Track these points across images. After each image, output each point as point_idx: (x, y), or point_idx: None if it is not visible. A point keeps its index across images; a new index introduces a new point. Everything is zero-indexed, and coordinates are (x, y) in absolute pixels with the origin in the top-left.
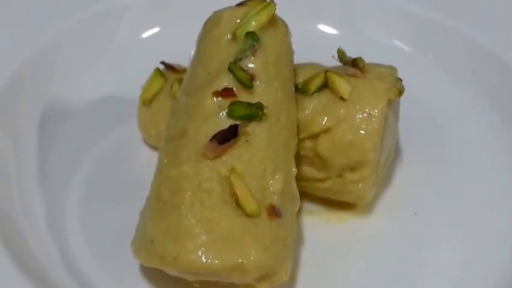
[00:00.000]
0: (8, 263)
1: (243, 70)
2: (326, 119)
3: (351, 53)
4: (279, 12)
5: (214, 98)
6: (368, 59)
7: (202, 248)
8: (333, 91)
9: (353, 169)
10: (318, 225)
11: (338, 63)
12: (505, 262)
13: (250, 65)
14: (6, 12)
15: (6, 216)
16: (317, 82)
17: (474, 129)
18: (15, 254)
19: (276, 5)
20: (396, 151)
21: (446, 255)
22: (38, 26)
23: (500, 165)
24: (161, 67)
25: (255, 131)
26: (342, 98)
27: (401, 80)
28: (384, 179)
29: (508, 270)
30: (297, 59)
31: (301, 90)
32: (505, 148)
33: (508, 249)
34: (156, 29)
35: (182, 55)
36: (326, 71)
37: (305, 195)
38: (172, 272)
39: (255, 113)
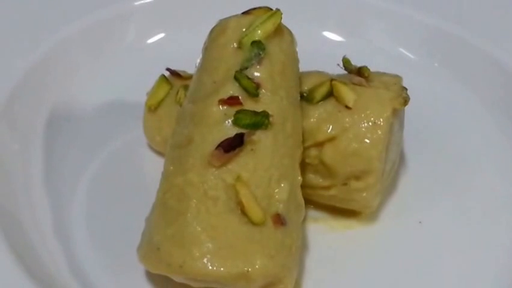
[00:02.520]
0: (14, 267)
1: (249, 78)
2: (331, 127)
3: (357, 61)
4: (285, 20)
5: (220, 106)
6: (373, 66)
7: (208, 256)
8: (339, 100)
9: (358, 177)
10: (323, 233)
11: (343, 72)
12: (511, 271)
13: (256, 74)
14: (12, 19)
15: (12, 221)
16: (322, 90)
17: (480, 137)
18: (21, 258)
19: (282, 13)
20: (401, 159)
21: (451, 263)
22: (43, 31)
23: (507, 174)
24: (167, 74)
25: (261, 139)
26: (347, 107)
27: (406, 89)
28: (389, 188)
29: None
30: (303, 67)
31: (306, 99)
32: None
33: None
34: (162, 35)
35: (188, 61)
36: (331, 79)
37: (310, 203)
38: (178, 279)
39: (260, 121)
